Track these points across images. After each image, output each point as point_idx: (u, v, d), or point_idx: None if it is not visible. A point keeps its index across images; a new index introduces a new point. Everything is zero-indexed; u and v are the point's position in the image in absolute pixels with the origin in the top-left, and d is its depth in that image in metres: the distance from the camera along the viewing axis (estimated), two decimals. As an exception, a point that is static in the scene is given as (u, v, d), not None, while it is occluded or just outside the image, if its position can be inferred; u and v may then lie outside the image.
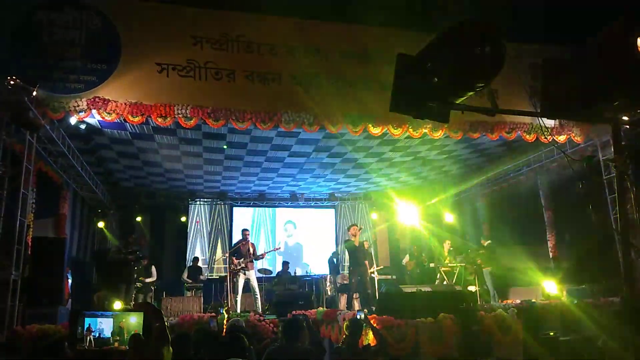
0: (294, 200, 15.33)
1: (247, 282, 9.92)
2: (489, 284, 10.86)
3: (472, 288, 10.26)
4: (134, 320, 1.60)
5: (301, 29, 8.07)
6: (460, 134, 8.44)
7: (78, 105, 6.78)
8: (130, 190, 13.57)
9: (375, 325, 6.18)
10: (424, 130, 8.28)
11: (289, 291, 11.48)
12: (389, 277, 12.35)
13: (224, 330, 6.02)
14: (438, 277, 11.27)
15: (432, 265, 11.73)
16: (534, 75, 8.27)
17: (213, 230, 14.79)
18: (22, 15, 6.87)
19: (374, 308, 7.64)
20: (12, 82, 6.09)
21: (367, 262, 9.70)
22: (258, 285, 10.21)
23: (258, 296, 9.93)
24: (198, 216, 14.84)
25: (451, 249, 11.68)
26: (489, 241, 11.59)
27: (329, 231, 15.92)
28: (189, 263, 13.12)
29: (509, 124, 8.55)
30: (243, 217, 15.20)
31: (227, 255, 10.50)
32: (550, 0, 8.13)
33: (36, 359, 5.82)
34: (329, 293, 11.89)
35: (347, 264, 12.66)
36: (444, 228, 13.33)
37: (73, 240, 11.08)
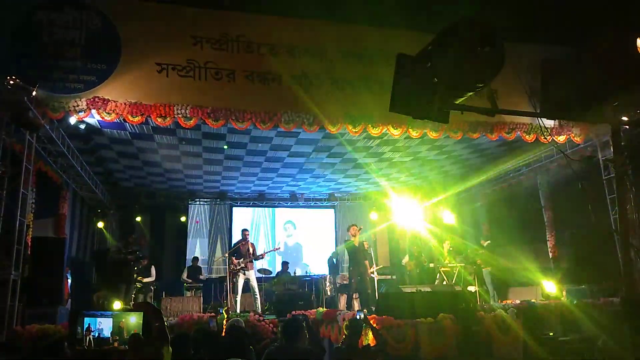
0: (293, 200, 15.32)
1: (247, 282, 9.92)
2: (488, 284, 10.86)
3: (471, 288, 10.26)
4: (134, 320, 1.60)
5: (301, 29, 8.07)
6: (460, 134, 8.44)
7: (78, 105, 6.78)
8: (130, 190, 13.57)
9: (375, 325, 6.18)
10: (424, 131, 8.28)
11: (288, 291, 11.47)
12: (389, 277, 12.34)
13: (224, 330, 6.02)
14: (438, 277, 11.26)
15: (431, 265, 11.72)
16: (534, 75, 8.23)
17: (213, 230, 14.79)
18: (22, 15, 6.87)
19: (373, 308, 7.65)
20: (11, 82, 6.09)
21: (366, 262, 9.70)
22: (258, 285, 10.21)
23: (258, 296, 9.93)
24: (198, 216, 14.83)
25: (451, 249, 11.67)
26: (489, 241, 11.59)
27: (329, 231, 15.92)
28: (188, 263, 13.12)
29: (508, 124, 8.55)
30: (243, 217, 15.19)
31: (227, 255, 10.49)
32: (551, 0, 8.13)
33: (36, 359, 5.82)
34: (329, 293, 11.89)
35: (346, 264, 12.67)
36: (444, 228, 13.33)
37: (73, 240, 11.07)
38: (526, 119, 8.45)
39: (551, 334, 6.96)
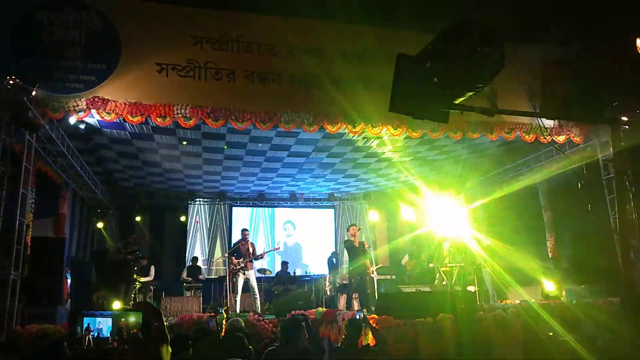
0: (293, 200, 15.32)
1: (247, 282, 9.92)
2: (488, 284, 10.86)
3: (471, 288, 10.25)
4: (133, 320, 1.60)
5: (301, 29, 8.08)
6: (460, 134, 8.45)
7: (77, 105, 6.79)
8: (130, 190, 13.57)
9: (374, 325, 6.18)
10: (424, 131, 8.29)
11: (288, 291, 11.48)
12: (389, 277, 12.35)
13: (223, 330, 6.02)
14: (437, 277, 11.26)
15: (431, 265, 11.71)
16: (534, 75, 8.27)
17: (212, 230, 14.79)
18: (22, 15, 6.87)
19: (373, 308, 7.64)
20: (11, 82, 6.09)
21: (366, 262, 9.70)
22: (257, 285, 10.22)
23: (257, 296, 9.93)
24: (197, 216, 14.83)
25: (450, 249, 11.66)
26: (488, 241, 11.58)
27: (328, 231, 15.92)
28: (188, 263, 13.12)
29: (508, 124, 8.56)
30: (242, 217, 15.19)
31: (227, 255, 10.50)
32: (551, 0, 8.13)
33: (35, 359, 5.82)
34: (328, 293, 11.89)
35: (346, 264, 12.67)
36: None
37: (72, 240, 11.07)
38: (526, 119, 8.45)
39: (551, 334, 6.95)
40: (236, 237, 13.05)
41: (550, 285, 9.46)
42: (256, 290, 9.96)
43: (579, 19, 7.29)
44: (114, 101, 6.93)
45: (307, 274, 14.57)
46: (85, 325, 1.64)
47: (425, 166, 12.07)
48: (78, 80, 6.87)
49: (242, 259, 9.94)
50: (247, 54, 7.71)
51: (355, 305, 9.46)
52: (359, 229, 9.96)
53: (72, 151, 9.09)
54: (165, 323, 1.57)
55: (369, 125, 8.00)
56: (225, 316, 6.70)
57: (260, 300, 10.19)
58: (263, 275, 12.11)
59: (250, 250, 10.19)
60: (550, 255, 10.66)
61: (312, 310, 8.24)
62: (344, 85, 7.86)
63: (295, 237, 15.72)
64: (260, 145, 10.01)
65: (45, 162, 8.63)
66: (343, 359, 5.29)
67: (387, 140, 9.50)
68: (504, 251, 11.27)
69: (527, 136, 8.65)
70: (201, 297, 10.37)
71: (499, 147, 10.51)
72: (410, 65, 2.92)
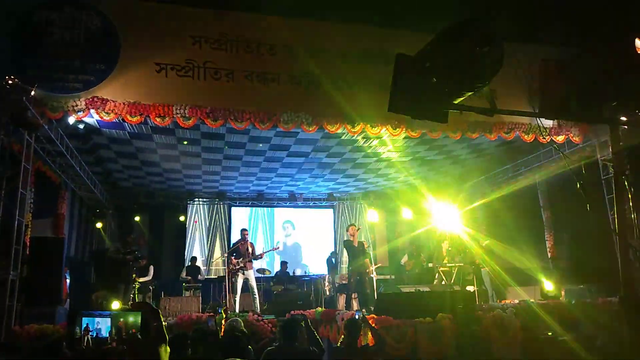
0: (292, 200, 15.32)
1: (246, 281, 9.92)
2: (487, 284, 10.87)
3: (470, 288, 10.26)
4: (132, 320, 1.60)
5: (300, 29, 8.07)
6: (459, 134, 8.45)
7: (76, 105, 6.78)
8: (129, 190, 13.56)
9: (373, 325, 6.18)
10: (423, 131, 8.29)
11: (287, 291, 11.48)
12: (388, 277, 12.36)
13: (222, 330, 6.02)
14: (436, 277, 11.27)
15: (430, 265, 11.74)
16: (533, 75, 8.28)
17: (211, 230, 14.79)
18: (22, 15, 6.86)
19: (372, 308, 7.64)
20: (10, 82, 6.09)
21: (365, 262, 9.70)
22: (256, 285, 10.21)
23: (257, 296, 9.93)
24: (196, 216, 14.83)
25: (449, 248, 11.68)
26: (487, 241, 11.59)
27: (328, 231, 15.92)
28: (187, 263, 13.11)
29: (507, 124, 8.56)
30: (241, 217, 15.19)
31: (226, 255, 10.49)
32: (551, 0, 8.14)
33: (34, 359, 5.82)
34: (328, 293, 11.90)
35: (345, 265, 12.68)
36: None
37: (71, 240, 11.07)
38: (525, 119, 8.46)
39: (550, 333, 6.96)
40: (235, 237, 13.05)
41: (549, 285, 9.46)
42: (255, 290, 9.95)
43: (579, 19, 7.30)
44: (113, 101, 6.92)
45: (307, 274, 14.57)
46: (84, 326, 1.65)
47: (425, 166, 12.08)
48: (77, 80, 6.86)
49: (241, 259, 9.94)
50: (246, 53, 7.71)
51: (355, 305, 9.47)
52: (358, 229, 9.96)
53: (71, 151, 9.08)
54: (164, 323, 1.56)
55: (368, 125, 8.00)
56: (224, 316, 6.69)
57: (260, 300, 10.19)
58: (262, 275, 12.11)
59: (250, 250, 10.18)
60: (549, 255, 10.67)
61: (312, 310, 8.25)
62: (343, 85, 7.85)
63: (294, 237, 15.72)
64: (259, 145, 10.01)
65: (44, 162, 8.62)
66: (342, 359, 5.29)
67: (387, 140, 9.51)
68: (503, 251, 11.28)
69: (526, 136, 8.66)
70: (200, 297, 10.36)
71: (498, 147, 10.51)
72: (409, 65, 2.92)
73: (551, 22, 8.27)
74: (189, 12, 7.61)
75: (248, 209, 15.46)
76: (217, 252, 14.44)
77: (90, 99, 6.81)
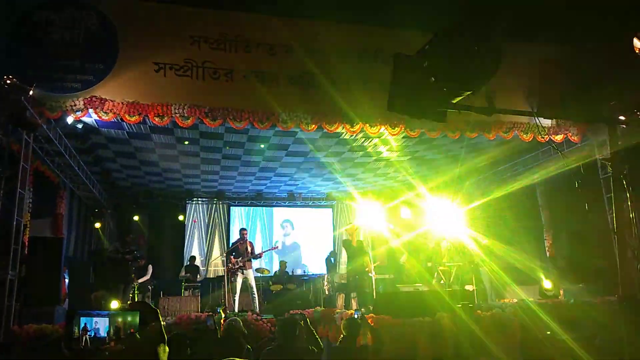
0: (291, 199, 15.32)
1: (245, 281, 9.92)
2: (486, 283, 10.88)
3: (469, 287, 10.27)
4: (130, 320, 1.60)
5: (299, 29, 8.06)
6: (458, 134, 8.45)
7: (75, 105, 6.77)
8: (128, 190, 13.55)
9: (372, 324, 6.18)
10: (421, 130, 8.29)
11: (286, 291, 11.48)
12: (387, 276, 12.36)
13: (221, 329, 6.01)
14: (435, 276, 11.27)
15: (429, 264, 11.73)
16: (531, 74, 8.28)
17: (210, 229, 14.79)
18: (21, 15, 6.85)
19: (371, 307, 7.65)
20: (8, 82, 6.08)
21: (364, 261, 9.70)
22: (255, 284, 10.21)
23: (256, 295, 9.93)
24: (195, 215, 14.83)
25: (448, 248, 11.68)
26: (486, 240, 11.59)
27: (327, 230, 15.93)
28: (186, 262, 13.10)
29: (506, 123, 8.56)
30: (240, 217, 15.20)
31: (225, 254, 10.49)
32: None
33: (33, 359, 5.81)
34: (327, 292, 11.90)
35: (343, 265, 12.68)
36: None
37: (70, 240, 11.05)
38: (524, 119, 8.46)
39: (548, 332, 6.97)
40: (234, 236, 13.05)
41: (548, 284, 9.47)
42: (255, 289, 9.95)
43: (577, 19, 7.30)
44: (112, 101, 6.91)
45: (305, 274, 14.58)
46: (82, 325, 1.64)
47: (423, 165, 12.09)
48: (76, 80, 6.85)
49: (240, 259, 9.94)
50: (245, 53, 7.70)
51: (354, 304, 9.47)
52: (357, 229, 9.96)
53: (70, 151, 9.07)
54: (162, 323, 1.56)
55: (367, 125, 8.00)
56: (223, 315, 6.70)
57: (259, 299, 10.19)
58: (261, 275, 12.11)
59: (249, 249, 10.18)
60: (547, 254, 10.68)
61: (310, 309, 8.24)
62: (342, 85, 7.85)
63: (293, 237, 15.73)
64: (258, 144, 10.01)
65: (42, 162, 8.61)
66: (341, 359, 5.29)
67: (385, 139, 9.51)
68: (502, 250, 11.29)
69: (524, 135, 8.66)
70: (199, 297, 10.36)
71: (497, 147, 10.52)
72: (408, 64, 2.92)
73: (550, 22, 8.27)
74: (188, 12, 7.60)
75: (247, 208, 15.46)
76: (216, 252, 14.44)
77: (89, 99, 6.80)
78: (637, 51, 2.79)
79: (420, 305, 6.77)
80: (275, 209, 15.76)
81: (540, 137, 8.64)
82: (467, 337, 6.35)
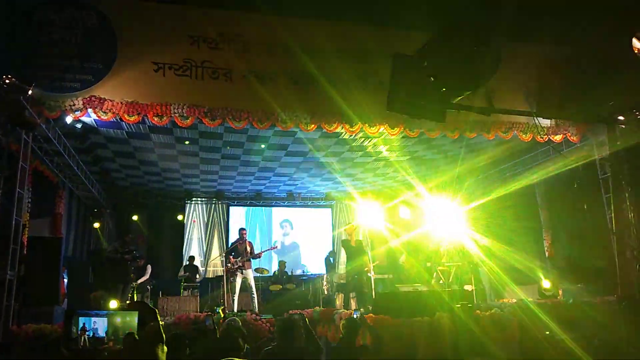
0: (290, 199, 15.32)
1: (244, 281, 9.91)
2: (485, 283, 10.89)
3: (468, 287, 10.27)
4: (129, 320, 1.59)
5: (298, 29, 8.06)
6: (457, 134, 8.44)
7: (74, 105, 6.76)
8: (127, 190, 13.54)
9: (371, 324, 6.18)
10: (421, 130, 8.29)
11: (285, 290, 11.48)
12: (386, 276, 12.36)
13: (220, 329, 6.02)
14: (435, 276, 11.28)
15: (428, 264, 11.73)
16: (531, 74, 8.28)
17: (209, 229, 14.78)
18: (20, 14, 6.84)
19: (370, 307, 7.65)
20: (7, 81, 6.07)
21: (363, 261, 9.70)
22: (255, 284, 10.20)
23: (255, 295, 9.92)
24: (195, 215, 14.82)
25: (448, 248, 11.68)
26: (485, 240, 11.60)
27: (326, 230, 15.93)
28: (185, 262, 13.10)
29: (505, 123, 8.55)
30: (239, 217, 15.19)
31: (224, 254, 10.49)
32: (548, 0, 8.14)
33: (32, 359, 5.81)
34: (326, 292, 11.90)
35: (342, 264, 12.67)
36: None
37: (69, 239, 11.04)
38: (523, 119, 8.46)
39: (547, 332, 6.97)
40: (233, 236, 13.05)
41: (547, 284, 9.48)
42: (254, 289, 9.95)
43: (576, 18, 7.30)
44: (111, 100, 6.90)
45: (305, 274, 14.58)
46: (80, 325, 1.64)
47: (423, 165, 12.09)
48: (75, 80, 6.84)
49: (239, 258, 9.94)
50: (244, 53, 7.69)
51: (353, 304, 9.47)
52: (356, 228, 9.96)
53: (69, 150, 9.06)
54: (161, 323, 1.56)
55: (366, 125, 7.99)
56: (222, 315, 6.70)
57: (258, 299, 10.19)
58: (260, 275, 12.10)
59: (248, 249, 10.17)
60: (547, 254, 10.69)
61: (310, 309, 8.24)
62: (341, 85, 7.85)
63: (292, 237, 15.73)
64: (257, 144, 10.01)
65: (41, 162, 8.61)
66: (340, 359, 5.29)
67: (385, 139, 9.52)
68: (501, 250, 11.30)
69: (524, 135, 8.66)
70: (198, 297, 10.35)
71: (496, 147, 10.52)
72: (407, 64, 2.92)
73: (549, 22, 8.27)
74: (187, 11, 7.59)
75: (246, 208, 15.47)
76: (215, 252, 14.44)
77: (88, 98, 6.80)
78: (636, 51, 2.79)
79: (419, 305, 6.77)
80: (274, 208, 15.76)
81: (539, 137, 8.64)
82: (466, 337, 6.35)
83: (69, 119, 7.25)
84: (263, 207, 15.61)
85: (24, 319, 6.80)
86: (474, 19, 2.64)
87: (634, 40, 2.70)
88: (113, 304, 7.91)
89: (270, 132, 9.00)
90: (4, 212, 6.55)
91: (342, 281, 11.14)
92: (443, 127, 8.15)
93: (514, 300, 8.77)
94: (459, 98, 2.92)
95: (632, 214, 7.32)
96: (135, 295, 10.11)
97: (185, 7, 7.58)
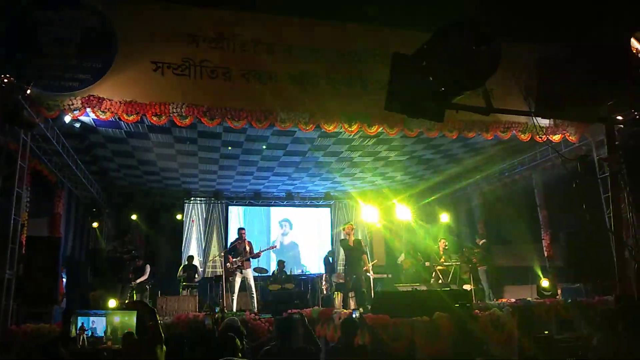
0: (289, 199, 15.31)
1: (244, 281, 9.91)
2: (484, 283, 10.90)
3: (467, 287, 10.29)
4: (127, 319, 1.59)
5: (298, 28, 8.06)
6: (456, 133, 8.45)
7: (72, 104, 6.75)
8: (126, 189, 13.53)
9: (370, 324, 6.18)
10: (420, 130, 8.29)
11: (284, 290, 11.48)
12: (385, 275, 12.38)
13: (219, 329, 6.01)
14: (433, 276, 11.29)
15: (427, 264, 11.76)
16: (529, 74, 8.28)
17: (208, 229, 14.77)
18: (18, 13, 6.83)
19: (369, 307, 7.65)
20: (5, 81, 6.06)
21: (362, 261, 9.71)
22: (254, 284, 10.20)
23: (254, 295, 9.92)
24: (194, 215, 14.81)
25: (446, 248, 11.71)
26: (484, 240, 11.62)
27: (325, 230, 15.92)
28: (184, 262, 13.09)
29: (504, 123, 8.57)
30: (238, 216, 15.19)
31: (223, 254, 10.48)
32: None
33: (31, 359, 5.80)
34: (325, 292, 11.90)
35: (341, 265, 12.68)
36: (439, 227, 13.38)
37: (68, 239, 11.03)
38: (521, 118, 8.47)
39: (546, 332, 6.99)
40: (232, 235, 13.04)
41: (545, 284, 9.49)
42: (253, 289, 9.94)
43: (575, 18, 7.31)
44: (109, 100, 6.89)
45: (304, 273, 14.58)
46: (79, 325, 1.63)
47: (422, 165, 12.09)
48: (73, 79, 6.83)
49: (239, 258, 9.93)
50: (243, 52, 7.69)
51: (352, 304, 9.47)
52: (355, 228, 9.96)
53: (68, 150, 9.05)
54: (160, 322, 1.56)
55: (365, 125, 7.99)
56: (221, 315, 6.70)
57: (257, 299, 10.18)
58: (259, 274, 12.10)
59: (247, 249, 10.17)
60: (545, 253, 10.70)
61: (309, 309, 8.24)
62: (340, 84, 7.85)
63: (291, 236, 15.72)
64: (256, 144, 10.00)
65: (40, 161, 8.59)
66: (339, 358, 5.29)
67: (384, 139, 9.52)
68: (500, 250, 11.32)
69: (522, 135, 8.67)
70: (197, 297, 10.34)
71: (495, 146, 10.53)
72: (406, 64, 2.92)
73: (547, 22, 8.28)
74: (186, 10, 7.59)
75: (245, 207, 15.46)
76: (214, 251, 14.43)
77: (87, 98, 6.79)
78: (634, 51, 2.79)
79: (418, 304, 6.76)
80: (273, 208, 15.74)
81: (538, 136, 8.65)
82: (465, 336, 6.35)
83: (67, 119, 7.23)
84: (262, 207, 15.60)
85: (23, 319, 6.80)
86: (474, 18, 2.64)
87: (633, 40, 2.70)
88: (112, 303, 7.91)
89: (269, 131, 8.99)
90: (3, 212, 6.54)
91: (341, 281, 11.15)
92: (442, 127, 8.16)
93: (513, 300, 8.79)
94: (458, 98, 2.91)
95: (630, 214, 7.34)
96: (134, 295, 10.11)
97: (184, 6, 7.57)
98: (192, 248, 14.46)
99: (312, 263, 15.15)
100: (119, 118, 7.09)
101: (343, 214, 15.89)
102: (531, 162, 10.75)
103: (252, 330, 6.98)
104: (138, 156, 10.47)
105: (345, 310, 7.58)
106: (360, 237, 11.94)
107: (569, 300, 8.23)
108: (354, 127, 8.01)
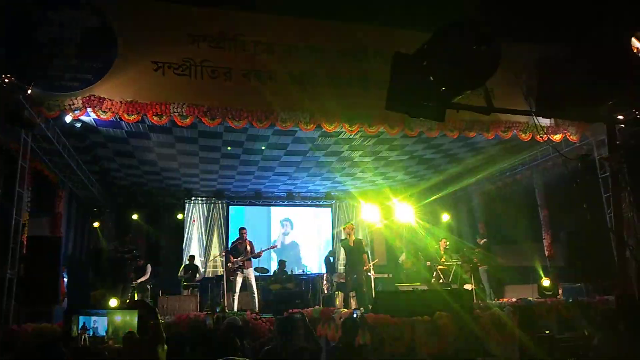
0: (290, 199, 15.31)
1: (245, 280, 9.91)
2: (485, 283, 10.89)
3: (468, 286, 10.28)
4: (129, 319, 1.59)
5: (298, 28, 8.07)
6: (456, 133, 8.45)
7: (73, 104, 6.76)
8: (126, 189, 13.54)
9: (371, 323, 6.19)
10: (420, 129, 8.29)
11: (285, 290, 11.48)
12: (386, 275, 12.38)
13: (220, 328, 6.02)
14: (434, 275, 11.29)
15: (428, 263, 11.75)
16: (530, 74, 8.26)
17: (209, 228, 14.78)
18: (19, 14, 6.83)
19: (370, 306, 7.65)
20: (6, 81, 6.07)
21: (363, 260, 9.70)
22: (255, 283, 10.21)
23: (255, 295, 9.91)
24: (195, 214, 14.82)
25: (447, 247, 11.71)
26: (485, 240, 11.61)
27: (326, 230, 15.93)
28: (185, 261, 13.10)
29: (504, 122, 8.56)
30: (239, 216, 15.19)
31: (224, 253, 10.48)
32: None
33: (31, 358, 5.81)
34: (326, 292, 11.90)
35: (342, 264, 12.68)
36: (440, 226, 13.38)
37: (69, 239, 11.05)
38: (522, 118, 8.47)
39: (547, 332, 6.98)
40: (233, 235, 13.04)
41: (546, 284, 9.49)
42: (254, 288, 9.94)
43: (576, 18, 7.30)
44: (110, 100, 6.90)
45: (305, 273, 14.58)
46: (80, 324, 1.64)
47: (422, 165, 12.08)
48: (74, 79, 6.84)
49: (240, 258, 9.94)
50: (244, 52, 7.69)
51: (353, 303, 9.47)
52: (355, 228, 9.95)
53: (68, 150, 9.06)
54: (161, 322, 1.56)
55: (366, 124, 8.00)
56: (222, 315, 6.70)
57: (258, 298, 10.18)
58: (260, 274, 12.10)
59: (248, 248, 10.16)
60: (546, 253, 10.70)
61: (309, 309, 8.25)
62: (341, 84, 7.85)
63: (292, 236, 15.72)
64: (257, 143, 10.00)
65: (41, 161, 8.60)
66: (340, 358, 5.30)
67: (384, 138, 9.51)
68: (501, 249, 11.31)
69: (523, 135, 8.67)
70: (198, 296, 10.35)
71: (496, 146, 10.52)
72: (406, 63, 2.92)
73: (548, 21, 8.28)
74: (186, 10, 7.59)
75: (246, 207, 15.46)
76: (215, 251, 14.44)
77: (87, 98, 6.79)
78: (635, 51, 2.79)
79: (419, 304, 6.77)
80: (274, 208, 15.75)
81: (539, 136, 8.65)
82: (466, 336, 6.36)
83: (68, 119, 7.24)
84: (263, 207, 15.60)
85: (24, 319, 6.81)
86: (475, 18, 2.64)
87: (633, 40, 2.70)
88: (113, 303, 7.92)
89: (270, 131, 8.99)
90: (4, 212, 6.56)
91: (342, 280, 11.14)
92: (442, 127, 8.16)
93: (514, 300, 8.78)
94: (459, 97, 2.92)
95: (631, 213, 7.34)
96: (135, 294, 10.12)
97: (185, 6, 7.58)
98: (193, 248, 14.47)
99: (313, 263, 15.15)
100: (120, 118, 7.09)
101: (344, 214, 15.89)
102: (532, 162, 10.74)
103: (253, 329, 6.99)
104: (139, 156, 10.48)
105: (346, 310, 7.58)
106: (361, 237, 11.92)
107: (570, 300, 8.23)
108: (355, 127, 8.01)
